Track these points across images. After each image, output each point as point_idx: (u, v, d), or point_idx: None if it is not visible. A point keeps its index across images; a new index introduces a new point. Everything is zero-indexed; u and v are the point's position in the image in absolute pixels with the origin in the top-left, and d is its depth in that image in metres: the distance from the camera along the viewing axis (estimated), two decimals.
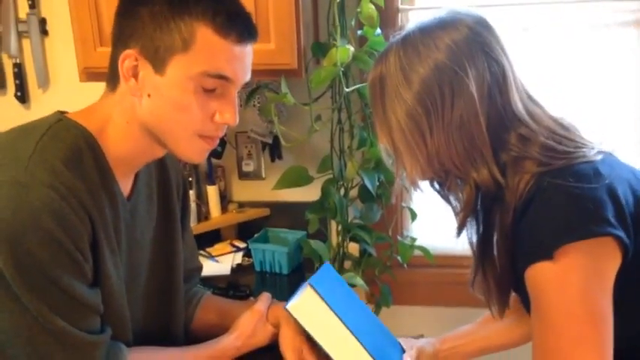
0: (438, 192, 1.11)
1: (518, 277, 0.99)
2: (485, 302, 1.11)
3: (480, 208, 1.05)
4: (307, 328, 1.07)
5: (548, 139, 0.98)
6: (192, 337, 1.23)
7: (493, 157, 0.99)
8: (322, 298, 1.05)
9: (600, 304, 0.90)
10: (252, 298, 1.30)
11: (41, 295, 0.86)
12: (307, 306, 1.06)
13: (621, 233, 0.89)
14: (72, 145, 0.93)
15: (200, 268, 1.34)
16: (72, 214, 0.88)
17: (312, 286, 1.05)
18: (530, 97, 1.04)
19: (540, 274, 0.92)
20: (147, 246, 1.10)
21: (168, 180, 1.16)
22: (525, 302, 1.08)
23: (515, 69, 1.02)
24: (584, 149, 0.97)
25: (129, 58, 0.93)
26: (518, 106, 1.00)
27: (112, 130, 0.98)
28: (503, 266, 1.03)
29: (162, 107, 0.94)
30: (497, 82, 0.99)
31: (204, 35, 0.91)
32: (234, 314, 1.22)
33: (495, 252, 1.04)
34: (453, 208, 1.08)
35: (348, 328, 1.05)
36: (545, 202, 0.92)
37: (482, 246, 1.07)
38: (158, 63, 0.92)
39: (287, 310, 1.08)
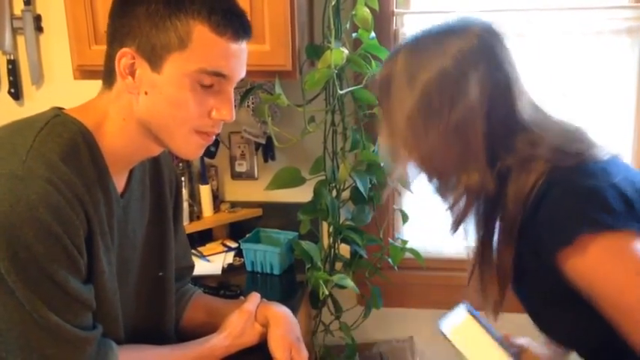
0: (435, 189, 1.13)
1: (517, 276, 1.01)
2: (481, 302, 1.12)
3: (481, 210, 1.07)
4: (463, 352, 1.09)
5: (557, 141, 1.00)
6: (182, 335, 1.23)
7: (487, 163, 1.01)
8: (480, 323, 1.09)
9: None
10: (242, 298, 1.30)
11: (36, 290, 0.86)
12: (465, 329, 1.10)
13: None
14: (69, 141, 0.93)
15: (192, 266, 1.34)
16: (68, 208, 0.88)
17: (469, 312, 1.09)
18: (536, 106, 1.05)
19: (577, 258, 0.93)
20: (138, 243, 1.11)
21: (161, 178, 1.16)
22: (524, 302, 1.11)
23: (522, 77, 1.04)
24: (593, 150, 1.00)
25: (125, 56, 0.94)
26: (523, 115, 1.02)
27: (109, 127, 0.98)
28: (504, 268, 1.05)
29: (159, 104, 0.95)
30: (501, 91, 1.01)
31: (201, 33, 0.92)
32: (223, 313, 1.23)
33: (495, 254, 1.06)
34: (448, 206, 1.09)
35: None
36: (562, 194, 0.94)
37: (482, 248, 1.09)
38: (155, 61, 0.93)
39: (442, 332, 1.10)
